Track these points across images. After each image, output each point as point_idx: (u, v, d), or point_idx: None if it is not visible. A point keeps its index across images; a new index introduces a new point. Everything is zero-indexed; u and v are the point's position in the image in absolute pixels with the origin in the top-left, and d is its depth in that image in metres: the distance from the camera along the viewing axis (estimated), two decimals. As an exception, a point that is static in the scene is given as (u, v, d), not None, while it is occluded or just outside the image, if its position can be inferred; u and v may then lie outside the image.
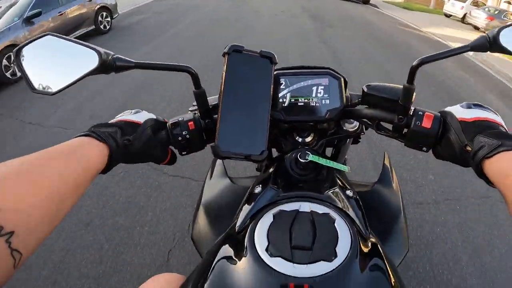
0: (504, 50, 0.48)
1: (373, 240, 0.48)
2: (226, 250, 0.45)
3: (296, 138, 0.66)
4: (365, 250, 0.44)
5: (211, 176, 0.87)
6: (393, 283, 0.42)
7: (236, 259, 0.42)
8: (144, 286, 0.60)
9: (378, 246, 0.48)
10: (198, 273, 0.45)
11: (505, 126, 0.49)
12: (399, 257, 0.70)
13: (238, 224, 0.49)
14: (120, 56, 0.50)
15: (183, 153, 0.60)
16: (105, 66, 0.49)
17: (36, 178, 0.36)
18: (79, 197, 0.41)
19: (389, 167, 0.88)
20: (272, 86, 0.56)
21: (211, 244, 0.59)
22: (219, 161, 0.92)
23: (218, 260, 0.44)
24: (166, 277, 0.62)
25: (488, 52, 0.49)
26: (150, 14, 7.91)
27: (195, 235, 0.73)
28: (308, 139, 0.66)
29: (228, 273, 0.41)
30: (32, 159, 0.38)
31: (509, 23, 0.49)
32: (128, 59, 0.51)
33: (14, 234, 0.31)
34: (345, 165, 1.05)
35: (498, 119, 0.50)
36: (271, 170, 0.61)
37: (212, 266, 0.43)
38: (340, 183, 0.57)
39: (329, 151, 0.83)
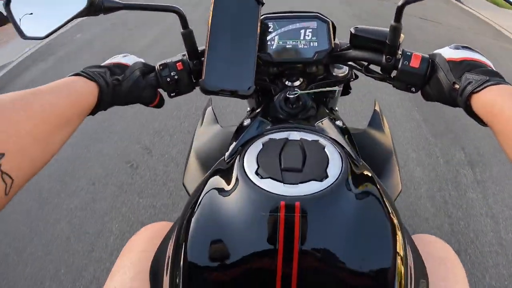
0: None
1: (364, 164, 0.49)
2: (215, 180, 0.45)
3: (285, 83, 0.67)
4: (356, 174, 0.45)
5: (201, 124, 0.88)
6: (388, 210, 0.42)
7: (225, 186, 0.43)
8: (137, 235, 0.62)
9: (369, 171, 0.48)
10: (186, 209, 0.45)
11: (493, 67, 0.49)
12: (393, 195, 0.72)
13: (227, 155, 0.50)
14: None
15: (171, 94, 0.60)
16: (94, 7, 0.49)
17: (27, 105, 0.36)
18: (70, 134, 0.42)
19: (379, 112, 0.90)
20: (259, 24, 0.57)
21: None
22: (209, 109, 0.93)
23: (208, 191, 0.44)
24: (158, 225, 0.64)
25: None
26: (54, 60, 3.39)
27: (186, 180, 0.74)
28: (297, 83, 0.66)
29: (217, 201, 0.41)
30: (25, 92, 0.38)
31: None
32: (116, 0, 0.51)
33: (5, 156, 0.30)
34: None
35: (486, 60, 0.50)
36: (260, 108, 0.62)
37: (201, 197, 0.43)
38: (329, 114, 0.57)
39: None
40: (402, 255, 0.40)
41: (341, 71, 0.68)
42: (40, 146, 0.35)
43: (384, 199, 0.44)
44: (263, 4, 0.58)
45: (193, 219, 0.41)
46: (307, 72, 0.67)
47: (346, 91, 0.85)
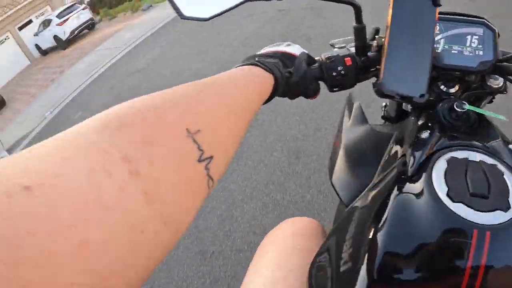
0: None
1: None
2: (400, 191, 0.45)
3: (441, 87, 0.64)
4: None
5: (349, 119, 0.85)
6: None
7: (413, 203, 0.42)
8: (280, 228, 0.60)
9: None
10: (369, 211, 0.46)
11: None
12: None
13: (409, 167, 0.49)
14: None
15: (334, 89, 0.59)
16: None
17: (227, 99, 0.32)
18: (248, 126, 0.37)
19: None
20: (436, 28, 0.55)
21: (352, 189, 0.63)
22: (357, 105, 0.89)
23: (396, 198, 0.44)
24: (304, 220, 0.62)
25: None
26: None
27: (335, 179, 0.73)
28: (453, 90, 0.64)
29: (407, 214, 0.42)
30: (213, 80, 0.33)
31: None
32: None
33: (213, 159, 0.26)
34: None
35: None
36: (422, 118, 0.61)
37: (390, 204, 0.43)
38: (501, 135, 0.55)
39: None
40: None
41: (496, 82, 0.64)
42: (236, 145, 0.33)
43: None
44: (440, 5, 0.54)
45: (383, 230, 0.41)
46: (465, 80, 0.64)
47: (491, 100, 0.79)
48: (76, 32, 12.64)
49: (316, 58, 0.59)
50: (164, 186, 0.21)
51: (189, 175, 0.23)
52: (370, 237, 0.42)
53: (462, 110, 0.55)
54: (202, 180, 0.25)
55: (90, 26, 13.33)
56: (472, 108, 0.55)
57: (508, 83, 0.63)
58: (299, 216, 0.69)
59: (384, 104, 0.89)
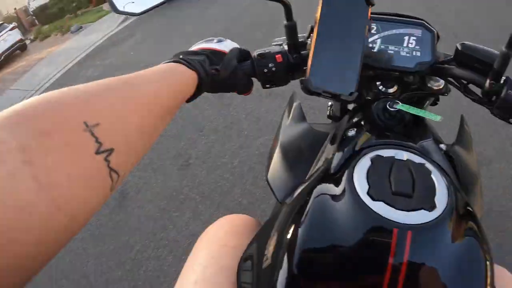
0: None
1: (464, 197, 0.48)
2: (322, 189, 0.45)
3: (380, 88, 0.64)
4: (460, 204, 0.44)
5: (288, 118, 0.85)
6: (485, 242, 0.43)
7: (334, 202, 0.42)
8: (214, 226, 0.61)
9: (468, 200, 0.47)
10: (290, 212, 0.45)
11: None
12: None
13: (333, 165, 0.49)
14: None
15: (266, 86, 0.59)
16: None
17: (133, 95, 0.34)
18: (168, 123, 0.40)
19: (466, 129, 0.86)
20: (367, 27, 0.54)
21: (287, 187, 0.60)
22: (296, 104, 0.89)
23: (316, 200, 0.43)
24: (239, 217, 0.63)
25: None
26: None
27: (271, 177, 0.73)
28: (391, 90, 0.63)
29: (327, 213, 0.41)
30: (125, 78, 0.35)
31: None
32: None
33: (114, 152, 0.28)
34: None
35: None
36: (356, 117, 0.61)
37: (309, 206, 0.43)
38: (433, 135, 0.56)
39: None
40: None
41: (437, 84, 0.64)
42: (144, 139, 0.34)
43: (483, 233, 0.43)
44: (373, 5, 0.54)
45: (301, 232, 0.40)
46: (404, 80, 0.64)
47: (435, 102, 0.80)
48: (2, 56, 11.60)
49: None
50: (57, 175, 0.22)
51: (86, 166, 0.25)
52: (290, 235, 0.42)
53: (394, 109, 0.55)
54: (102, 171, 0.27)
55: (20, 47, 12.31)
56: (404, 107, 0.55)
57: (454, 87, 0.63)
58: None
59: (330, 103, 0.89)
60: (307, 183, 0.51)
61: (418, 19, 0.60)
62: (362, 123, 0.58)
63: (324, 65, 0.52)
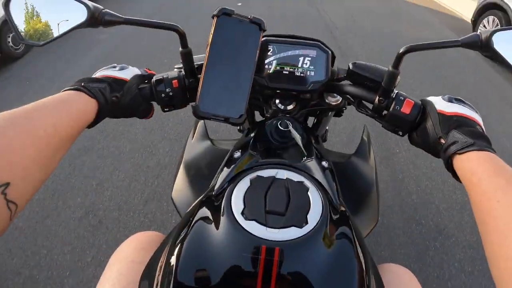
0: (494, 53, 0.46)
1: (343, 210, 0.51)
2: (204, 211, 0.47)
3: (278, 105, 0.67)
4: (335, 219, 0.46)
5: (193, 137, 0.88)
6: (358, 252, 0.45)
7: (213, 221, 0.44)
8: (125, 243, 0.63)
9: (348, 216, 0.50)
10: (178, 232, 0.47)
11: (482, 125, 0.50)
12: (368, 228, 0.73)
13: (216, 187, 0.51)
14: (109, 11, 0.51)
15: (165, 110, 0.61)
16: (94, 20, 0.49)
17: (30, 129, 0.36)
18: (67, 149, 0.42)
19: (366, 140, 0.91)
20: (258, 53, 0.56)
21: (190, 204, 0.60)
22: (201, 122, 0.92)
23: (197, 221, 0.45)
24: (147, 234, 0.65)
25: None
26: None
27: (175, 195, 0.75)
28: (290, 107, 0.67)
29: (206, 233, 0.43)
30: (25, 111, 0.38)
31: (503, 27, 0.47)
32: (117, 14, 0.51)
33: (10, 185, 0.31)
34: (326, 136, 1.06)
35: (476, 117, 0.50)
36: (251, 135, 0.63)
37: (191, 226, 0.45)
38: (317, 153, 0.59)
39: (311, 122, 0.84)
40: None
41: (335, 99, 0.69)
42: (43, 170, 0.36)
43: (356, 242, 0.46)
44: (264, 30, 0.57)
45: (184, 247, 0.42)
46: (301, 98, 0.67)
47: (338, 113, 0.85)
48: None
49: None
50: None
51: None
52: (173, 255, 0.43)
53: (286, 129, 0.58)
54: (0, 203, 0.30)
55: None
56: (293, 132, 0.57)
57: (349, 102, 0.65)
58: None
59: None
60: (192, 205, 0.52)
61: (314, 40, 0.64)
62: (250, 143, 0.59)
63: (213, 89, 0.54)
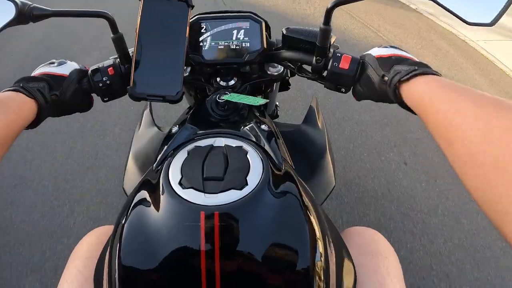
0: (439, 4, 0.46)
1: (287, 169, 0.51)
2: (144, 189, 0.47)
3: (220, 83, 0.67)
4: (277, 179, 0.46)
5: (139, 127, 0.87)
6: (305, 206, 0.45)
7: (153, 197, 0.44)
8: (83, 240, 0.62)
9: (292, 175, 0.50)
10: (119, 219, 0.46)
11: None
12: (326, 192, 0.75)
13: (155, 164, 0.51)
14: (37, 5, 0.50)
15: (105, 99, 0.59)
16: (23, 16, 0.48)
17: None
18: (5, 151, 0.42)
19: (315, 108, 0.92)
20: (188, 28, 0.57)
21: None
22: (146, 112, 0.91)
23: (136, 202, 0.45)
24: (104, 229, 0.65)
25: None
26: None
27: (126, 185, 0.75)
28: (232, 82, 0.67)
29: (145, 212, 0.42)
30: None
31: None
32: (45, 8, 0.51)
33: None
34: (277, 111, 1.10)
35: (414, 58, 0.50)
36: (191, 111, 0.63)
37: (130, 209, 0.44)
38: (256, 118, 0.59)
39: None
40: (322, 253, 0.42)
41: (276, 69, 0.69)
42: None
43: (305, 201, 0.45)
44: (192, 7, 0.58)
45: (125, 228, 0.42)
46: (241, 72, 0.68)
47: (285, 87, 0.86)
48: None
49: None
50: None
51: None
52: (115, 237, 0.43)
53: (222, 101, 0.58)
54: None
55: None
56: (230, 97, 0.58)
57: (290, 69, 0.65)
58: None
59: None
60: (133, 188, 0.52)
61: (247, 12, 0.64)
62: (188, 117, 0.60)
63: (147, 70, 0.54)
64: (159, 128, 0.86)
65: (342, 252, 0.53)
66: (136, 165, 0.77)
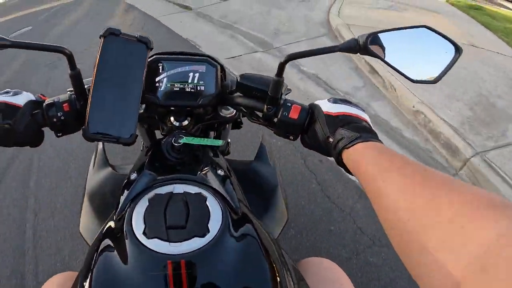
0: (371, 54, 0.49)
1: (244, 212, 0.52)
2: (108, 239, 0.47)
3: (174, 122, 0.67)
4: (236, 222, 0.48)
5: (93, 165, 0.85)
6: (266, 248, 0.46)
7: (118, 247, 0.44)
8: (46, 284, 0.61)
9: (250, 218, 0.51)
10: (84, 268, 0.46)
11: (368, 122, 0.52)
12: (280, 225, 0.76)
13: (116, 212, 0.51)
14: None
15: (58, 134, 0.58)
16: None
17: None
18: None
19: (265, 145, 0.95)
20: (145, 70, 0.57)
21: None
22: (100, 150, 0.90)
23: (101, 251, 0.45)
24: (64, 275, 0.63)
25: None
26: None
27: (82, 228, 0.72)
28: (185, 123, 0.67)
29: (111, 262, 0.42)
30: None
31: (378, 30, 0.50)
32: (5, 37, 0.49)
33: None
34: (229, 149, 1.11)
35: (362, 114, 0.52)
36: (148, 154, 0.62)
37: (95, 257, 0.44)
38: (212, 164, 0.60)
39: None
40: (282, 286, 0.45)
41: (229, 112, 0.70)
42: None
43: (263, 240, 0.47)
44: (151, 49, 0.58)
45: (93, 280, 0.41)
46: (195, 112, 0.68)
47: (238, 125, 0.87)
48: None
49: None
50: None
51: None
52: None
53: (179, 144, 0.58)
54: None
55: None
56: (187, 140, 0.57)
57: (242, 113, 0.67)
58: None
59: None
60: (96, 236, 0.51)
61: (203, 55, 0.65)
62: (146, 162, 0.59)
63: (102, 110, 0.53)
64: (113, 167, 0.84)
65: (301, 284, 0.54)
66: (92, 207, 0.75)
